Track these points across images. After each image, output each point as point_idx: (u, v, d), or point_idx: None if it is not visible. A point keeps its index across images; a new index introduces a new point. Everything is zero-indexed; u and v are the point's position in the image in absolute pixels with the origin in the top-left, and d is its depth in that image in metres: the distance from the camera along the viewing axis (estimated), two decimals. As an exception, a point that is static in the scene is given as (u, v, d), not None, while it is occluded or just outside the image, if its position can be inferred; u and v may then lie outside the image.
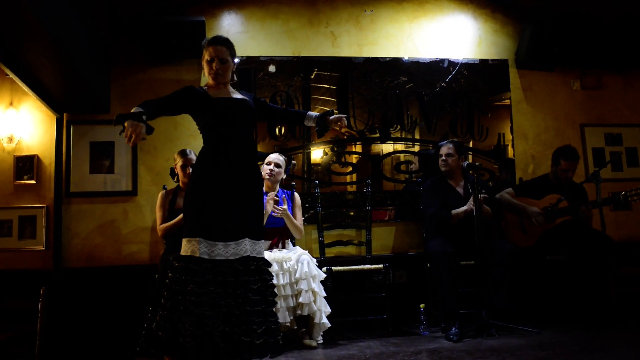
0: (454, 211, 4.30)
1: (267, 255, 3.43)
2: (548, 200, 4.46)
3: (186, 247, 2.85)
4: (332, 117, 3.25)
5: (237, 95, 3.11)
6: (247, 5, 4.98)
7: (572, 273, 4.42)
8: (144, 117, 2.69)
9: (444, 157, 4.49)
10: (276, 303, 3.09)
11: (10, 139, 4.59)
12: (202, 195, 2.90)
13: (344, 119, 3.27)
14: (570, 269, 4.43)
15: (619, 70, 5.53)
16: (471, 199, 4.18)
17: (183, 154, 4.19)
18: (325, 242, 4.67)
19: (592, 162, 5.32)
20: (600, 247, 4.16)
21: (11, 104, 4.66)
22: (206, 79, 3.14)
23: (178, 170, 4.17)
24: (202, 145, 3.06)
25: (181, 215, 3.99)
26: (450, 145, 4.51)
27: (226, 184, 2.91)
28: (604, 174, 4.44)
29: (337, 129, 3.29)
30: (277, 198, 4.04)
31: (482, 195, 4.11)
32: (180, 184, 4.21)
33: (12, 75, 3.71)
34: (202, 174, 2.95)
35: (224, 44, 3.07)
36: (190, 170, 4.06)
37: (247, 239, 2.92)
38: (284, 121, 3.31)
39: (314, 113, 3.31)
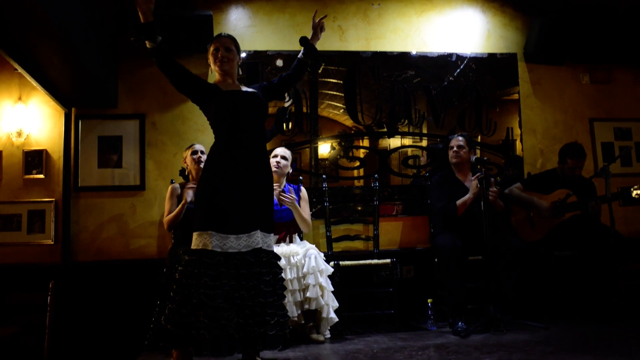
0: (459, 201, 4.28)
1: (275, 249, 3.43)
2: (557, 194, 4.43)
3: (197, 241, 2.86)
4: (311, 38, 3.32)
5: (247, 89, 3.13)
6: (254, 0, 4.98)
7: (581, 268, 4.40)
8: (159, 39, 2.89)
9: (455, 149, 4.48)
10: (285, 297, 3.09)
11: (19, 134, 4.62)
12: (214, 188, 2.91)
13: (315, 21, 3.33)
14: (579, 264, 4.41)
15: (629, 65, 5.48)
16: (474, 183, 4.17)
17: (190, 146, 4.24)
18: (332, 237, 4.67)
19: (602, 157, 5.28)
20: (609, 242, 4.14)
21: (20, 98, 4.68)
22: (214, 75, 3.17)
23: (188, 161, 4.18)
24: (213, 139, 3.07)
25: (182, 203, 4.01)
26: (461, 138, 4.50)
27: (238, 177, 2.92)
28: (613, 169, 4.42)
29: (320, 29, 3.34)
30: (282, 191, 4.03)
31: (493, 188, 4.11)
32: (190, 177, 4.22)
33: (21, 70, 3.73)
34: (213, 168, 2.96)
35: (228, 37, 3.17)
36: (201, 155, 4.14)
37: (258, 231, 2.93)
38: (294, 82, 3.34)
39: (300, 53, 3.31)
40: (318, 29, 3.34)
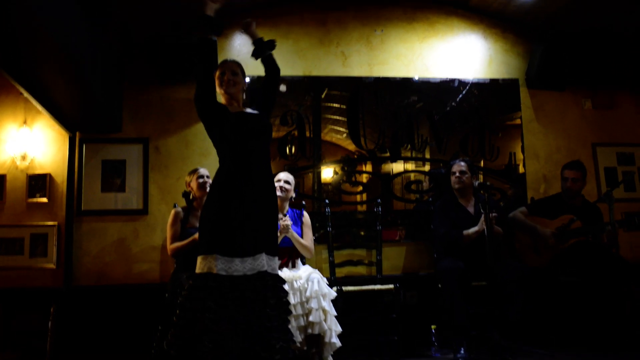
0: (465, 232, 4.27)
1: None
2: (561, 220, 4.42)
3: (202, 265, 2.84)
4: (252, 39, 3.36)
5: (251, 111, 3.16)
6: (258, 25, 4.96)
7: (586, 294, 4.37)
8: (214, 37, 3.08)
9: (457, 174, 4.47)
10: (289, 321, 3.06)
11: (24, 157, 4.64)
12: (219, 211, 2.90)
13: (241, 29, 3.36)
14: (584, 290, 4.37)
15: (631, 90, 5.50)
16: (482, 218, 4.16)
17: (194, 170, 4.23)
18: (335, 262, 4.65)
19: (605, 182, 5.27)
20: (615, 268, 4.11)
21: (25, 122, 4.71)
22: (219, 100, 3.19)
23: (193, 185, 4.16)
24: (216, 163, 3.08)
25: (193, 237, 3.99)
26: (463, 163, 4.50)
27: (243, 200, 2.92)
28: (617, 194, 4.40)
29: (246, 28, 3.37)
30: (287, 220, 4.02)
31: (493, 214, 4.08)
32: (195, 203, 4.21)
33: (26, 95, 3.76)
34: (219, 191, 2.96)
35: (234, 61, 3.24)
36: (206, 180, 4.14)
37: (263, 253, 2.92)
38: (274, 78, 3.32)
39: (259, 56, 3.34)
40: (247, 30, 3.40)
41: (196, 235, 3.96)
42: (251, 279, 2.85)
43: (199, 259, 2.87)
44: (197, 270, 2.85)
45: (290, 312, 3.08)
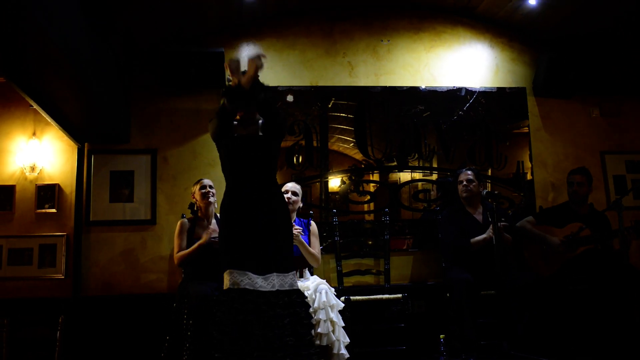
0: (473, 239, 4.25)
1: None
2: (570, 228, 4.39)
3: (228, 280, 2.93)
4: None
5: (257, 134, 3.19)
6: (265, 36, 5.06)
7: (595, 303, 4.33)
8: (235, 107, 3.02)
9: (465, 183, 4.46)
10: (310, 335, 3.05)
11: (33, 168, 4.67)
12: (229, 234, 3.01)
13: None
14: (593, 299, 4.33)
15: (639, 97, 5.47)
16: (490, 227, 4.14)
17: (198, 181, 4.26)
18: (343, 272, 4.64)
19: (614, 190, 5.23)
20: (624, 276, 4.07)
21: (34, 134, 4.75)
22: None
23: (197, 195, 4.19)
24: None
25: (198, 243, 4.01)
26: (470, 172, 4.49)
27: (248, 221, 2.97)
28: (626, 202, 4.37)
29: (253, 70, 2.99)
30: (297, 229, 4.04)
31: (501, 223, 4.06)
32: (200, 213, 4.22)
33: (36, 107, 3.79)
34: (226, 213, 3.06)
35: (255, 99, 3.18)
36: (209, 190, 4.18)
37: (274, 273, 2.94)
38: (274, 122, 3.16)
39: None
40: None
41: (201, 241, 3.98)
42: (263, 296, 2.89)
43: (225, 275, 2.95)
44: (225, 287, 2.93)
45: (311, 326, 3.07)
